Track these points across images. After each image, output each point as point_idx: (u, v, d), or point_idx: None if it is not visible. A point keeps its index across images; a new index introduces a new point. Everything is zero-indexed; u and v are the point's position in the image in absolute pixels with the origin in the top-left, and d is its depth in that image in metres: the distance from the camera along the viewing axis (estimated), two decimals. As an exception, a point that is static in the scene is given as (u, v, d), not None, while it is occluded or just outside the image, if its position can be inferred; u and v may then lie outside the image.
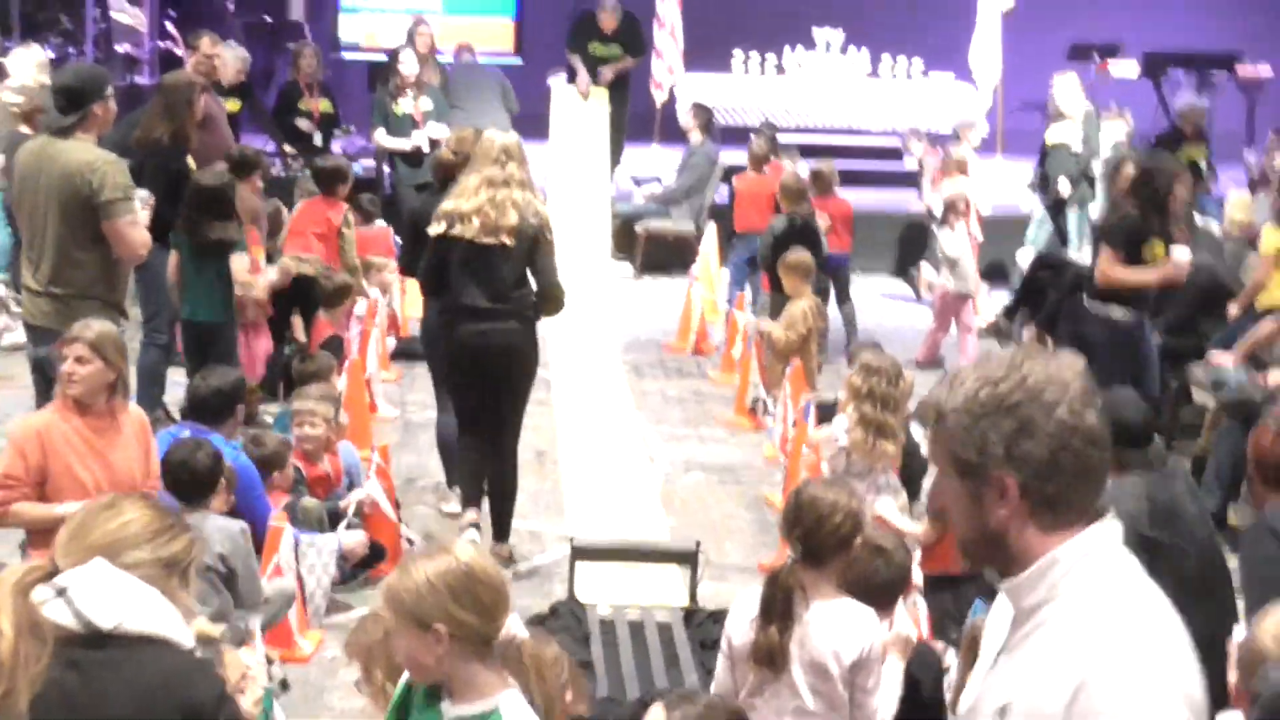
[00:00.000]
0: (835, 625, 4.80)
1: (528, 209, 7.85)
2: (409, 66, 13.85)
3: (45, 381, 7.72)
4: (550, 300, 8.10)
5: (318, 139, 14.62)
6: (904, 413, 7.62)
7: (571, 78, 15.81)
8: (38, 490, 6.22)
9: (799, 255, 10.88)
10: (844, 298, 12.84)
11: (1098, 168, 14.06)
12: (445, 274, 7.97)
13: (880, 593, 5.13)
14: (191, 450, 6.44)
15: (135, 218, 7.63)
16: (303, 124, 14.52)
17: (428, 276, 8.18)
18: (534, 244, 7.89)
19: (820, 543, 4.84)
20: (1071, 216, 13.98)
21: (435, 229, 7.92)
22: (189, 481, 6.39)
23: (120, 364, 6.32)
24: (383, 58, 15.83)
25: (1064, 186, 13.90)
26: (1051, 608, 2.63)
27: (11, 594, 2.80)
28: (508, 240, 7.82)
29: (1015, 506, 2.63)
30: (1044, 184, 14.21)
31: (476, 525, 8.19)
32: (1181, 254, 9.42)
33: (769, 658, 4.76)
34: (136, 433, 6.42)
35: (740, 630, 4.86)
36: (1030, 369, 2.64)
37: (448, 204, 7.94)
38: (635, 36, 15.86)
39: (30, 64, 11.85)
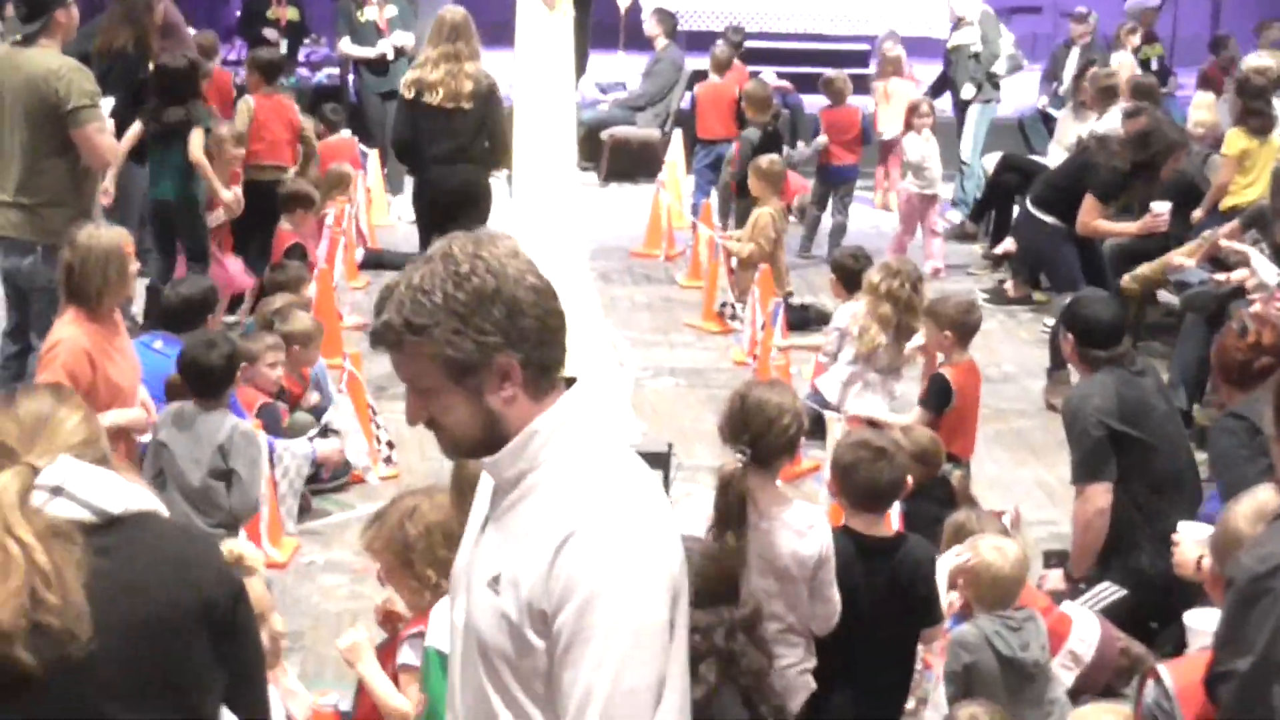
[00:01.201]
0: (792, 528, 4.82)
1: (480, 77, 9.57)
2: None
3: (17, 293, 7.71)
4: (503, 150, 9.94)
5: (284, 48, 14.50)
6: (920, 317, 7.80)
7: None
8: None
9: (772, 160, 10.90)
10: (842, 209, 12.85)
11: (1000, 67, 14.08)
12: (415, 133, 9.51)
13: (886, 495, 5.11)
14: (205, 349, 6.51)
15: (102, 124, 7.58)
16: (270, 33, 14.39)
17: (398, 134, 9.77)
18: (486, 105, 9.66)
19: (769, 446, 4.84)
20: (972, 117, 13.95)
21: (405, 95, 9.51)
22: (204, 379, 6.45)
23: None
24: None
25: (968, 92, 13.97)
26: (535, 475, 2.71)
27: (16, 506, 2.80)
28: (466, 104, 9.51)
29: (519, 384, 2.70)
30: (950, 88, 14.41)
31: None
32: (1161, 206, 9.62)
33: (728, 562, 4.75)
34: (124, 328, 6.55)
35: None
36: (484, 251, 2.69)
37: (412, 74, 9.57)
38: None
39: None
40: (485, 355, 2.67)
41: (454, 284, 2.66)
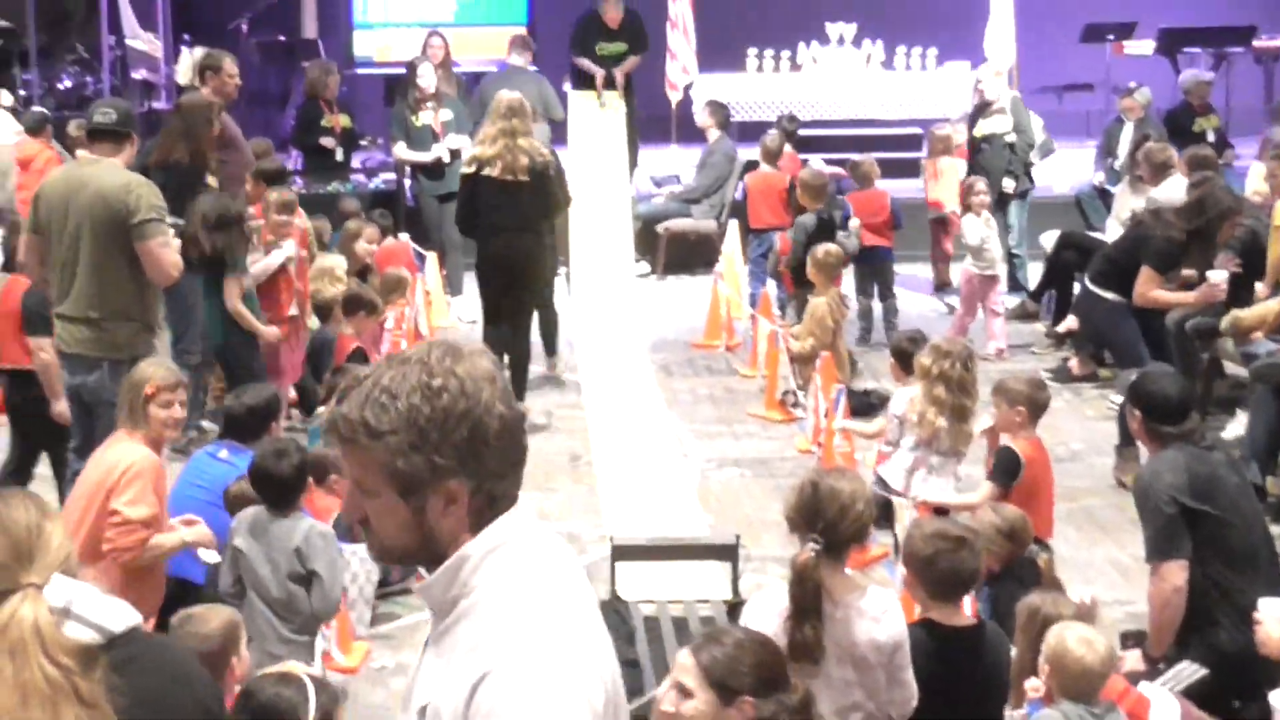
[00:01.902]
0: (867, 615, 4.77)
1: (535, 152, 10.28)
2: (427, 79, 13.87)
3: (83, 408, 7.75)
4: (563, 209, 11.03)
5: (340, 155, 14.68)
6: (976, 396, 7.75)
7: (576, 83, 15.76)
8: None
9: (829, 250, 10.89)
10: (886, 293, 12.85)
11: (1035, 155, 14.01)
12: (476, 206, 10.31)
13: (967, 583, 5.07)
14: (276, 458, 6.53)
15: (168, 239, 7.64)
16: (327, 141, 14.55)
17: (462, 208, 10.58)
18: (543, 177, 10.34)
19: (842, 534, 4.80)
20: (1014, 210, 13.82)
21: (466, 170, 10.40)
22: (277, 488, 6.49)
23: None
24: (398, 71, 15.91)
25: (1007, 185, 13.70)
26: (466, 601, 2.58)
27: (52, 632, 2.81)
28: (523, 177, 10.20)
29: (463, 511, 2.57)
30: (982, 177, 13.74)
31: None
32: (1218, 275, 9.58)
33: (808, 653, 4.70)
34: None
35: (768, 630, 4.73)
36: (460, 368, 2.55)
37: (474, 151, 10.48)
38: (640, 31, 15.82)
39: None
40: (436, 476, 2.54)
41: (422, 396, 2.53)
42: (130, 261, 7.57)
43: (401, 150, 13.93)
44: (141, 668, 2.90)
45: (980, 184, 12.62)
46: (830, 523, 4.77)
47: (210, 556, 6.64)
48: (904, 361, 8.96)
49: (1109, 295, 9.91)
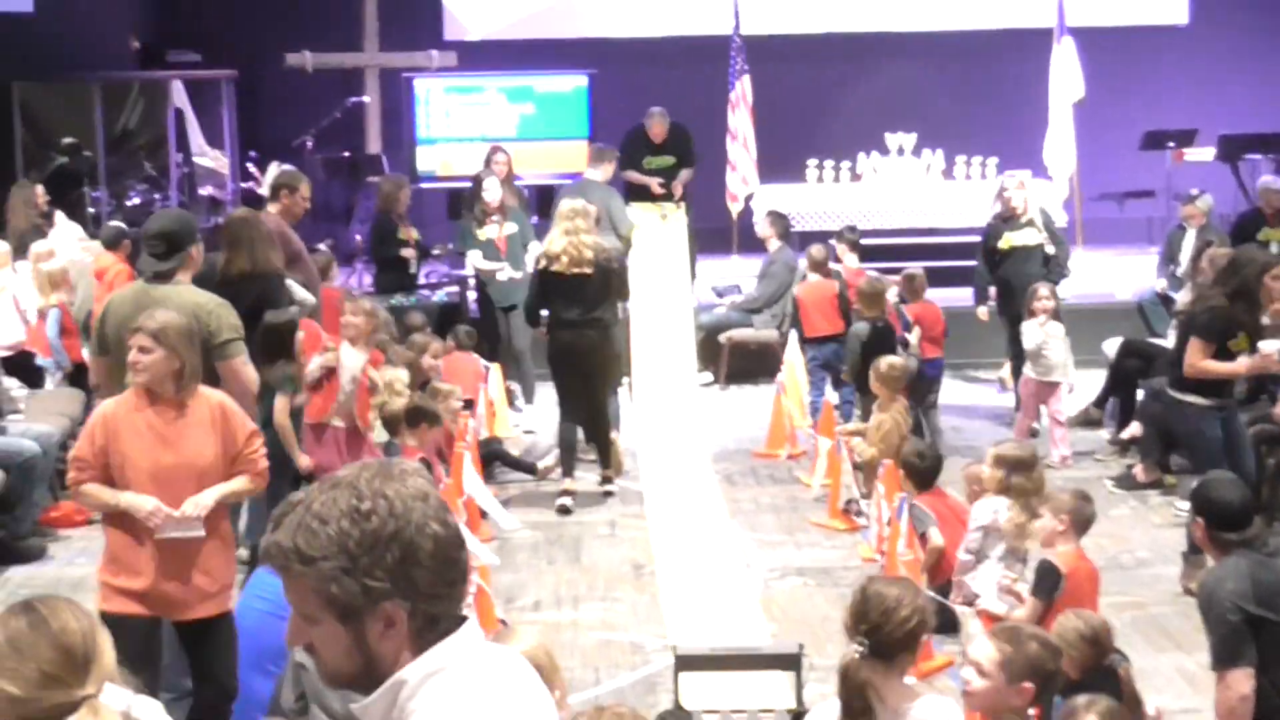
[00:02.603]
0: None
1: (597, 248, 11.19)
2: (492, 194, 14.01)
3: None
4: (625, 299, 12.14)
5: (413, 266, 14.87)
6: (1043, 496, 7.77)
7: (627, 197, 15.83)
8: (105, 473, 6.46)
9: (893, 364, 10.89)
10: (932, 404, 12.81)
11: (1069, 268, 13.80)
12: (545, 300, 11.25)
13: (1052, 680, 5.12)
14: None
15: (246, 357, 7.74)
16: (407, 252, 14.75)
17: (531, 302, 11.52)
18: (607, 271, 11.21)
19: (887, 638, 4.79)
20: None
21: (537, 266, 11.30)
22: None
23: (185, 353, 6.48)
24: (461, 185, 16.11)
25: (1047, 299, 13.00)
26: None
27: None
28: (588, 270, 11.03)
29: (403, 633, 2.55)
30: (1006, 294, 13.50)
31: (571, 494, 11.40)
32: (1269, 345, 9.46)
33: None
34: (211, 420, 6.53)
35: None
36: (389, 489, 2.53)
37: (545, 247, 11.32)
38: (686, 145, 15.99)
39: (73, 236, 12.35)
40: (371, 600, 2.51)
41: (351, 520, 2.50)
42: (207, 380, 7.64)
43: (477, 260, 14.00)
44: None
45: (1044, 289, 12.57)
46: (874, 625, 4.79)
47: (195, 530, 6.51)
48: (911, 474, 9.14)
49: (1191, 398, 9.78)
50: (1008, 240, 13.44)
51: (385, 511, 2.51)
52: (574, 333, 11.21)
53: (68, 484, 6.74)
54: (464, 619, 2.63)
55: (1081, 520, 7.45)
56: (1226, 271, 9.68)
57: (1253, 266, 9.59)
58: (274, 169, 14.71)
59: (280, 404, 9.46)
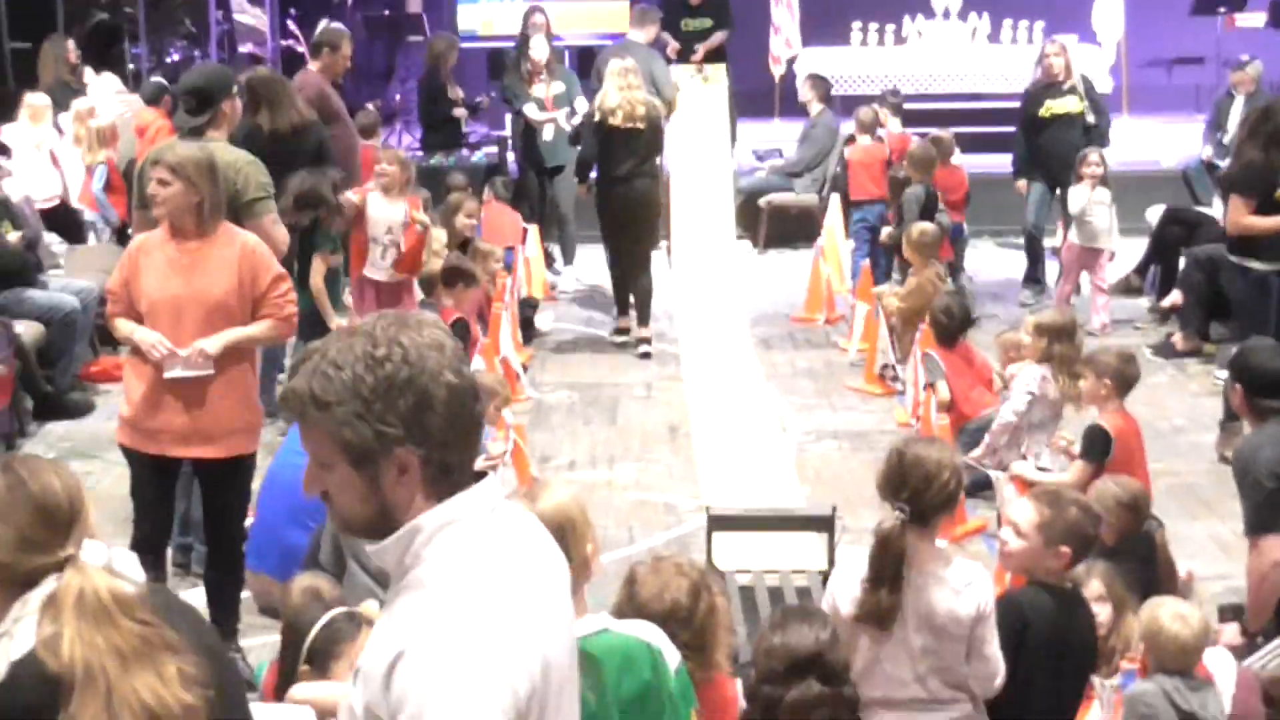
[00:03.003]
0: (949, 585, 4.76)
1: (649, 104, 11.79)
2: (540, 51, 13.86)
3: None
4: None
5: (464, 126, 14.86)
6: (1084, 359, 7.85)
7: (668, 60, 15.73)
8: (131, 306, 6.48)
9: (924, 229, 10.86)
10: (959, 268, 12.76)
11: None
12: (602, 148, 11.73)
13: (1090, 545, 5.13)
14: None
15: (276, 216, 7.66)
16: (459, 112, 14.74)
17: (587, 154, 11.99)
18: (657, 126, 11.88)
19: (928, 503, 4.76)
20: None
21: (594, 119, 11.81)
22: None
23: (205, 186, 6.41)
24: (502, 45, 16.02)
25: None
26: (417, 571, 2.57)
27: (120, 594, 2.99)
28: (640, 125, 11.64)
29: (416, 480, 2.57)
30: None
31: (626, 330, 12.15)
32: None
33: (877, 619, 4.71)
34: (234, 255, 6.47)
35: (846, 594, 4.79)
36: (405, 337, 2.55)
37: (599, 102, 11.79)
38: (722, 7, 15.75)
39: (110, 91, 12.26)
40: (385, 445, 2.54)
41: (365, 366, 2.54)
42: None
43: (533, 111, 13.85)
44: (170, 615, 3.00)
45: (1094, 154, 12.42)
46: (916, 491, 4.74)
47: (204, 369, 6.45)
48: (937, 329, 9.42)
49: (1249, 263, 9.62)
50: (1049, 108, 13.12)
51: (400, 358, 2.54)
52: (628, 185, 11.70)
53: (106, 315, 6.75)
54: (481, 474, 2.66)
55: (1125, 381, 7.44)
56: (1259, 120, 9.53)
57: None
58: (323, 25, 14.64)
59: (317, 264, 9.39)
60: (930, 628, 4.73)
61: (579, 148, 12.29)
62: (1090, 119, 13.16)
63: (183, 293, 6.40)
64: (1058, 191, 12.90)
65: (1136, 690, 5.23)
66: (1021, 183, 13.36)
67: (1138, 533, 6.35)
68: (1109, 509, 6.09)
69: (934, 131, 13.44)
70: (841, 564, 4.98)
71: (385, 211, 9.90)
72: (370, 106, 14.81)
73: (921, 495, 4.74)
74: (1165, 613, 5.28)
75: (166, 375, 6.38)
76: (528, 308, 12.40)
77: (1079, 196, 12.14)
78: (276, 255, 7.76)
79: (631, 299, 12.14)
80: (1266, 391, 6.41)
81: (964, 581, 4.76)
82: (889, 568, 4.69)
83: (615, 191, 11.80)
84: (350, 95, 12.00)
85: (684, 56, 15.54)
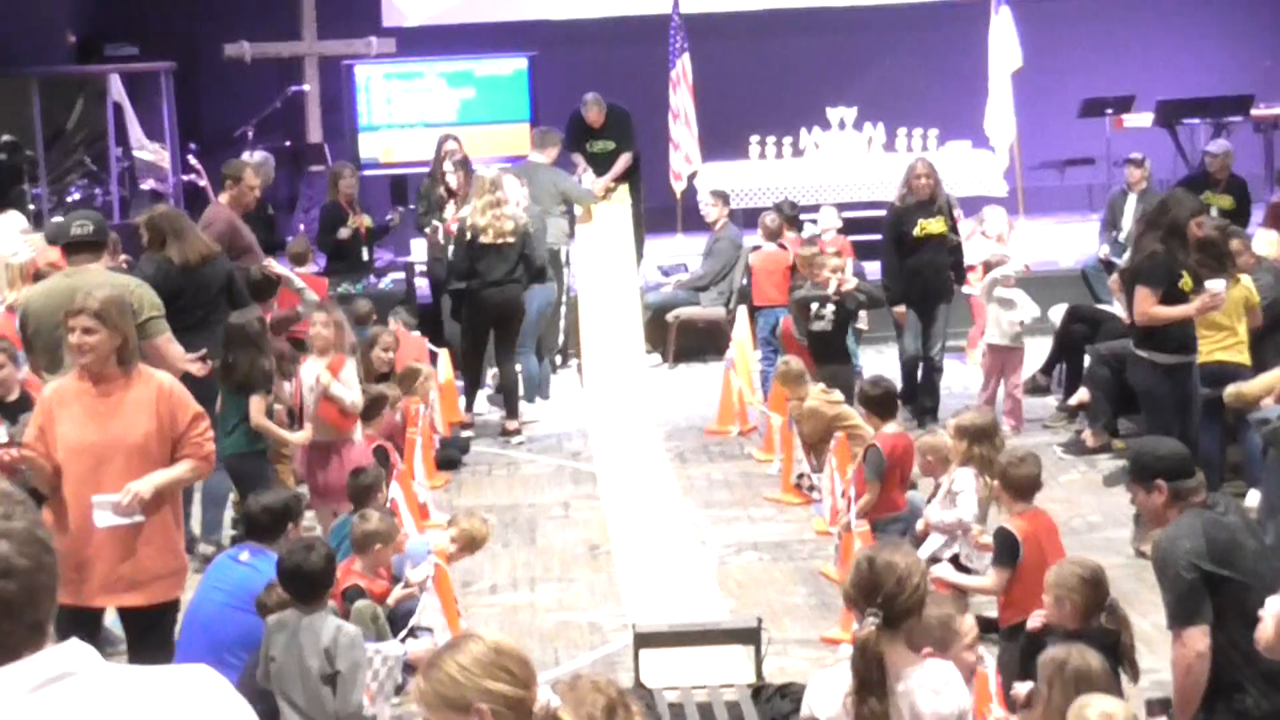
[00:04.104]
0: (931, 687, 4.78)
1: (517, 219, 12.70)
2: (455, 179, 14.02)
3: None
4: (540, 269, 13.21)
5: (366, 254, 14.89)
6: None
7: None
8: (50, 454, 6.42)
9: (788, 362, 11.04)
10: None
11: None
12: (470, 264, 12.64)
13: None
14: (305, 553, 6.60)
15: (170, 335, 7.76)
16: (344, 233, 14.82)
17: (457, 264, 12.85)
18: (524, 239, 12.73)
19: (900, 607, 4.79)
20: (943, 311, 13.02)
21: (464, 237, 12.65)
22: (306, 583, 6.55)
23: (126, 328, 6.43)
24: (403, 171, 16.10)
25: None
26: None
27: None
28: (509, 239, 12.55)
29: None
30: None
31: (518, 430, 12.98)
32: (1216, 284, 9.50)
33: None
34: (151, 396, 6.45)
35: (831, 710, 4.77)
36: None
37: (468, 219, 12.71)
38: (624, 129, 15.92)
39: (14, 230, 12.21)
40: None
41: None
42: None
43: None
44: None
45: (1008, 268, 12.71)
46: (889, 596, 4.76)
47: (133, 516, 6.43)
48: (871, 406, 9.57)
49: (1152, 355, 9.74)
50: (923, 227, 12.61)
51: None
52: (494, 291, 12.69)
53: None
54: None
55: (1012, 483, 7.51)
56: (1157, 213, 9.71)
57: (1182, 208, 9.63)
58: (247, 158, 14.83)
59: (256, 403, 9.25)
60: None
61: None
62: (953, 238, 13.00)
63: (101, 439, 6.36)
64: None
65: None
66: (901, 309, 12.72)
67: (1100, 610, 6.38)
68: (1072, 587, 6.17)
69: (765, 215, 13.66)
70: (817, 681, 4.95)
71: (310, 372, 9.74)
72: (295, 238, 14.89)
73: (894, 600, 4.76)
74: (1091, 711, 5.31)
75: (99, 525, 6.31)
76: (454, 448, 12.37)
77: (1006, 298, 12.36)
78: (174, 374, 7.81)
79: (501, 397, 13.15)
80: (1177, 475, 6.49)
81: (942, 681, 4.80)
82: (873, 675, 4.69)
83: (487, 296, 12.66)
84: (254, 227, 12.00)
85: (597, 176, 15.70)
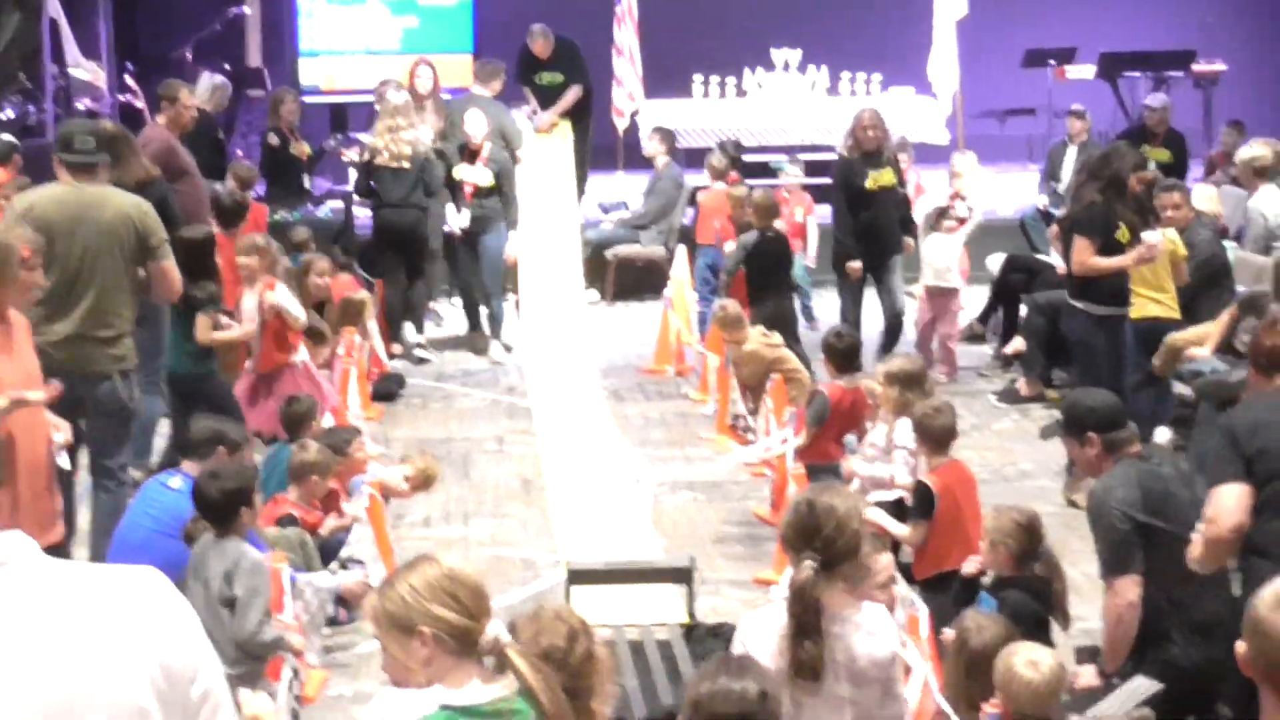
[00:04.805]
0: (864, 629, 4.78)
1: (416, 144, 12.94)
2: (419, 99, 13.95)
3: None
4: (439, 195, 13.31)
5: (306, 181, 14.78)
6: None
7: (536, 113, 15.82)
8: None
9: (725, 306, 10.98)
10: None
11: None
12: (367, 184, 13.16)
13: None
14: (209, 481, 6.67)
15: (173, 259, 7.99)
16: (273, 138, 14.86)
17: (360, 186, 13.46)
18: (424, 165, 12.95)
19: (838, 550, 4.76)
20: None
21: (365, 158, 13.18)
22: (208, 510, 6.63)
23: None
24: (344, 99, 15.95)
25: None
26: None
27: None
28: (406, 164, 12.81)
29: None
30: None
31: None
32: (1152, 235, 9.57)
33: (810, 671, 4.66)
34: (26, 333, 6.65)
35: (765, 651, 4.71)
36: None
37: (367, 140, 13.26)
38: (573, 62, 15.76)
39: None
40: None
41: None
42: (133, 280, 7.87)
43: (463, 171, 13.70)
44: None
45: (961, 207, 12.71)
46: (828, 540, 4.73)
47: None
48: (830, 355, 9.34)
49: (1085, 306, 9.77)
50: (874, 179, 12.25)
51: None
52: (395, 214, 12.97)
53: None
54: None
55: (929, 433, 7.55)
56: (1099, 164, 9.74)
57: (1125, 161, 9.68)
58: (206, 80, 14.65)
59: (202, 321, 9.18)
60: (852, 674, 4.71)
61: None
62: (900, 191, 12.92)
63: (18, 374, 6.44)
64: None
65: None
66: (856, 264, 12.22)
67: (1034, 558, 6.44)
68: (1008, 533, 6.24)
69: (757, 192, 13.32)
70: (749, 621, 4.92)
71: (249, 302, 9.78)
72: (246, 161, 14.75)
73: (833, 543, 4.73)
74: (1018, 660, 5.34)
75: None
76: (392, 382, 12.31)
77: (943, 244, 12.36)
78: (172, 297, 8.29)
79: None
80: (1109, 426, 6.54)
81: (875, 623, 4.79)
82: (809, 618, 4.67)
83: (384, 215, 13.06)
84: (191, 149, 11.83)
85: (545, 109, 15.59)
